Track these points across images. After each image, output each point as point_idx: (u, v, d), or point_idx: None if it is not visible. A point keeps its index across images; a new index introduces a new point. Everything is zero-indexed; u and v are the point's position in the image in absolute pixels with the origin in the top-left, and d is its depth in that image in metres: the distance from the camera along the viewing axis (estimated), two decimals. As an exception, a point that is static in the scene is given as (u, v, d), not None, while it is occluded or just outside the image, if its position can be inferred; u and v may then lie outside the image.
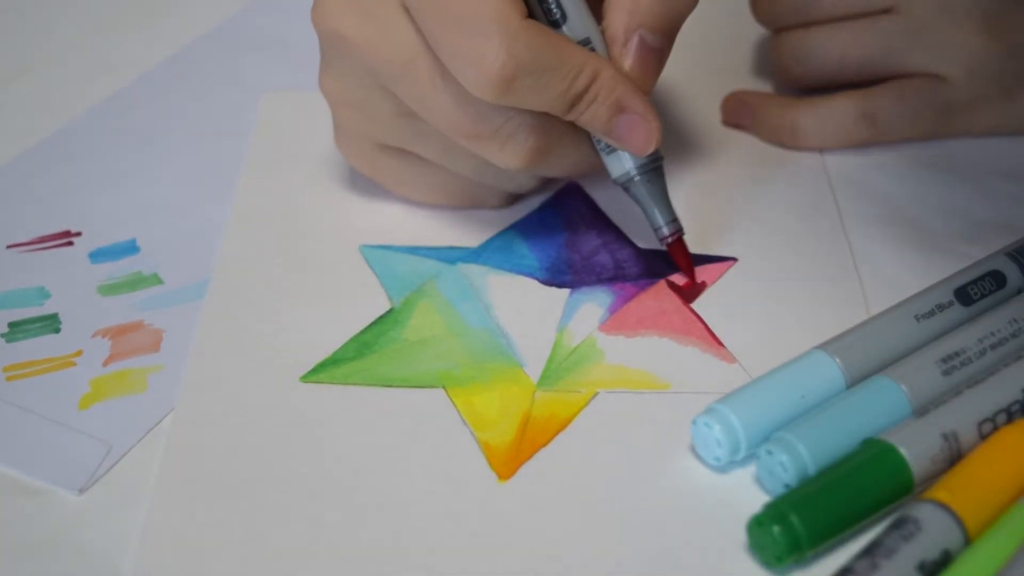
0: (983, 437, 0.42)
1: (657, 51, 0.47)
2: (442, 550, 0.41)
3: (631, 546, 0.41)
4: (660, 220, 0.49)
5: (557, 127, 0.47)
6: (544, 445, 0.44)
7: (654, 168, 0.48)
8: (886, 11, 0.55)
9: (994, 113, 0.55)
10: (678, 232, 0.49)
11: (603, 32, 0.47)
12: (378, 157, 0.51)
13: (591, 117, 0.46)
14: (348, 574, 0.40)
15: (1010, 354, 0.44)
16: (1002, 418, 0.42)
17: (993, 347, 0.44)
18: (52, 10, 0.65)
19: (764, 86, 0.59)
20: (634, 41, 0.46)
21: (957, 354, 0.44)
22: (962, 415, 0.42)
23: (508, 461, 0.43)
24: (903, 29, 0.54)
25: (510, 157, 0.47)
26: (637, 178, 0.48)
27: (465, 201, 0.52)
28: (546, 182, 0.53)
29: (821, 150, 0.55)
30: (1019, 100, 0.54)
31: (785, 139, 0.55)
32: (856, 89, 0.55)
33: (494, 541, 0.41)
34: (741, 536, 0.41)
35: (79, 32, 0.64)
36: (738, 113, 0.56)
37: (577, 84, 0.45)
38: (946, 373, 0.43)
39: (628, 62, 0.47)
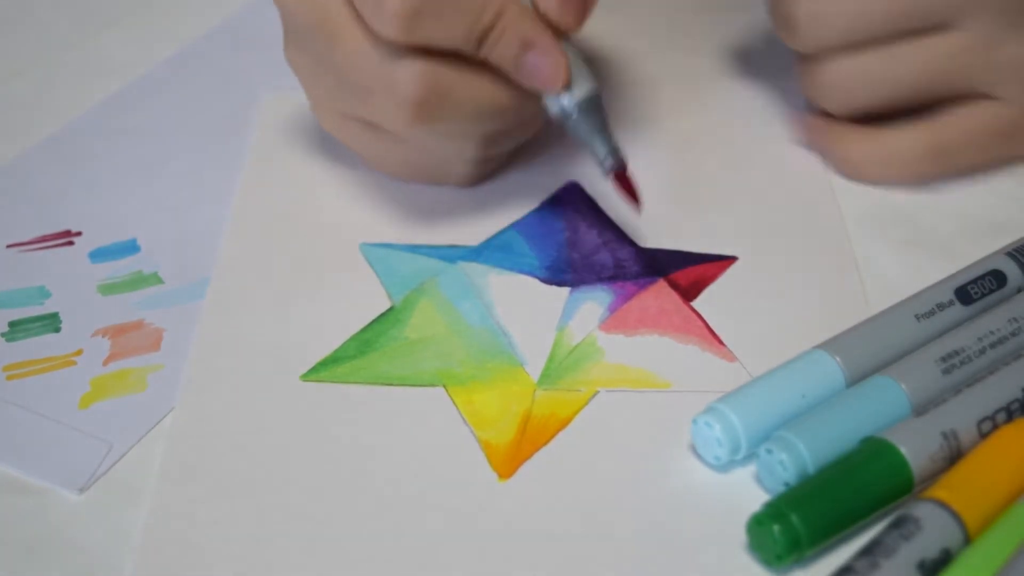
0: (983, 436, 0.42)
1: None
2: (442, 549, 0.41)
3: (631, 546, 0.41)
4: (601, 152, 0.48)
5: (449, 76, 0.47)
6: (544, 444, 0.44)
7: (591, 101, 0.48)
8: (939, 27, 0.50)
9: None
10: (620, 163, 0.49)
11: None
12: (346, 126, 0.51)
13: (499, 54, 0.47)
14: (348, 574, 0.40)
15: (1010, 353, 0.44)
16: (1002, 416, 0.42)
17: (993, 346, 0.44)
18: (52, 10, 0.65)
19: (771, 87, 0.59)
20: None
21: (957, 353, 0.44)
22: (962, 414, 0.42)
23: (508, 460, 0.43)
24: (962, 47, 0.50)
25: (396, 111, 0.47)
26: (574, 116, 0.48)
27: (427, 175, 0.52)
28: (498, 158, 0.53)
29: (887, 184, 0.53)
30: None
31: (847, 172, 0.53)
32: (921, 121, 0.52)
33: (494, 541, 0.41)
34: (741, 535, 0.41)
35: (79, 32, 0.64)
36: (809, 138, 0.54)
37: (483, 20, 0.46)
38: (946, 372, 0.43)
39: (551, 4, 0.47)
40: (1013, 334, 0.45)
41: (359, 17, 0.46)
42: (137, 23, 0.64)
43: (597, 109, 0.48)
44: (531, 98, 0.49)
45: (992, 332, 0.45)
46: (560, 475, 0.43)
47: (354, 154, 0.55)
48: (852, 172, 0.53)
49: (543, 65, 0.47)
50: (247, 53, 0.62)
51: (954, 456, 0.41)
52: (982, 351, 0.44)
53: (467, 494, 0.42)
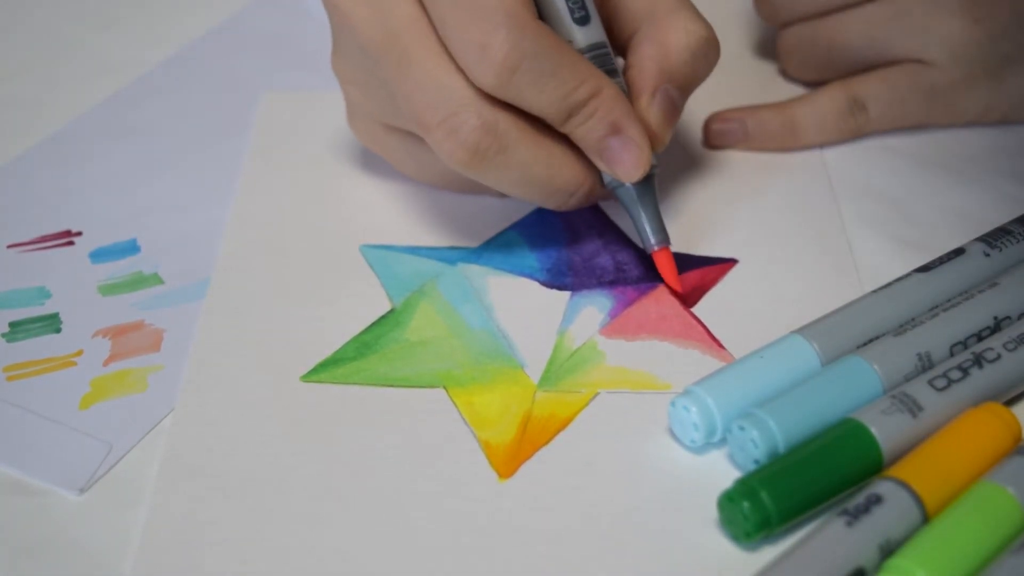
0: (952, 416, 0.42)
1: (677, 107, 0.48)
2: (442, 550, 0.41)
3: (631, 546, 0.41)
4: (647, 230, 0.49)
5: (510, 138, 0.46)
6: (544, 444, 0.44)
7: (645, 177, 0.48)
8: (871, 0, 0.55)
9: (982, 96, 0.55)
10: (663, 244, 0.49)
11: (628, 80, 0.48)
12: (384, 137, 0.51)
13: (585, 131, 0.46)
14: (348, 574, 0.40)
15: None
16: (967, 404, 0.43)
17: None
18: (52, 10, 0.65)
19: (771, 90, 0.59)
20: (660, 95, 0.48)
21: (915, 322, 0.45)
22: (931, 395, 0.42)
23: (508, 460, 0.43)
24: (885, 16, 0.55)
25: (451, 150, 0.46)
26: (627, 186, 0.48)
27: (465, 186, 0.52)
28: None
29: (822, 146, 0.55)
30: (1006, 82, 0.55)
31: (787, 141, 0.55)
32: (847, 78, 0.56)
33: (494, 541, 0.41)
34: (712, 512, 0.41)
35: (79, 32, 0.64)
36: (725, 133, 0.56)
37: (577, 94, 0.46)
38: (920, 355, 0.44)
39: (654, 113, 0.48)
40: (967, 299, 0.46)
41: (441, 49, 0.45)
42: (137, 23, 0.64)
43: (649, 185, 0.49)
44: (589, 178, 0.48)
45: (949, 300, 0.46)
46: (560, 475, 0.43)
47: (357, 157, 0.55)
48: (791, 140, 0.56)
49: (627, 154, 0.47)
50: (247, 53, 0.62)
51: (923, 436, 0.42)
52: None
53: (467, 494, 0.42)
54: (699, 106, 0.57)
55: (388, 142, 0.51)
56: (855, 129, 0.55)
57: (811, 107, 0.55)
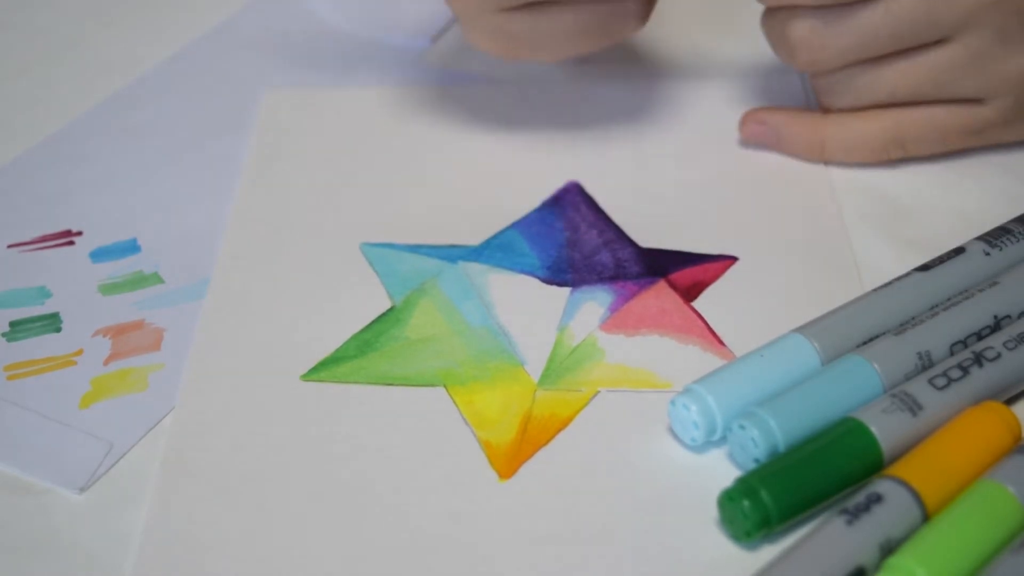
0: (952, 415, 0.42)
1: None
2: (442, 549, 0.41)
3: (631, 545, 0.41)
4: None
5: None
6: (545, 444, 0.44)
7: None
8: (940, 41, 0.51)
9: (1022, 128, 0.54)
10: None
11: None
12: (508, 25, 0.51)
13: None
14: (348, 574, 0.40)
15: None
16: (967, 402, 0.43)
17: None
18: (52, 10, 0.65)
19: (773, 88, 0.59)
20: None
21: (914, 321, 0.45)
22: (931, 395, 0.42)
23: (509, 460, 0.43)
24: (958, 60, 0.51)
25: None
26: None
27: (605, 36, 0.52)
28: None
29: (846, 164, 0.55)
30: None
31: (814, 154, 0.55)
32: (887, 110, 0.53)
33: (494, 540, 0.41)
34: (712, 511, 0.41)
35: (79, 32, 0.64)
36: (760, 133, 0.55)
37: None
38: (919, 355, 0.44)
39: None
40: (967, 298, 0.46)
41: None
42: (137, 23, 0.64)
43: None
44: None
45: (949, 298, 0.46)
46: (560, 475, 0.43)
47: (359, 155, 0.55)
48: (818, 155, 0.55)
49: None
50: (247, 52, 0.62)
51: (924, 435, 0.42)
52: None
53: (467, 494, 0.42)
54: (726, 107, 0.57)
55: (515, 28, 0.51)
56: (886, 161, 0.54)
57: (847, 133, 0.54)
